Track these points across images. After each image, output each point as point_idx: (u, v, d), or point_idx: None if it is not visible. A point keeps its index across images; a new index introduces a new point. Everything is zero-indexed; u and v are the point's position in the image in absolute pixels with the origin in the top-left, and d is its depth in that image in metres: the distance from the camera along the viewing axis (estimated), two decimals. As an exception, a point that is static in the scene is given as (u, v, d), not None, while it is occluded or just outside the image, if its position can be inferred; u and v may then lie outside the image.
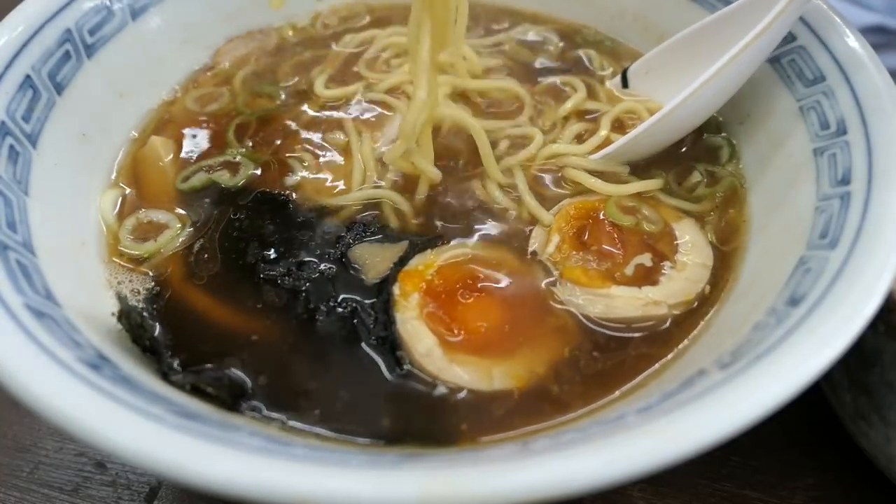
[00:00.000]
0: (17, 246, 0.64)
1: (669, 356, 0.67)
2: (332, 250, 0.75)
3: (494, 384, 0.65)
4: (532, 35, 1.03)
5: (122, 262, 0.75)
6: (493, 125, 0.87)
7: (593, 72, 0.98)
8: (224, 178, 0.82)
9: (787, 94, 0.79)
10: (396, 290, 0.70)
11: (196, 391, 0.60)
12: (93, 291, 0.70)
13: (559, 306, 0.71)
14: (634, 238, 0.75)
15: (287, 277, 0.72)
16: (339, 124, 0.89)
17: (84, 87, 0.82)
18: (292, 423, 0.61)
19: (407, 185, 0.82)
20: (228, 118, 0.90)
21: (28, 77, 0.75)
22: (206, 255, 0.75)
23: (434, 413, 0.63)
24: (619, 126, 0.89)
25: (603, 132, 0.87)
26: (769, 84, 0.82)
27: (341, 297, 0.71)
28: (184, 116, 0.91)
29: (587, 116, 0.91)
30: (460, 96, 0.92)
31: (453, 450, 0.60)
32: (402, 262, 0.73)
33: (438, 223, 0.78)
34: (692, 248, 0.75)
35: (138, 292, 0.72)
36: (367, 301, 0.70)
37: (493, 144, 0.84)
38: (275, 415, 0.62)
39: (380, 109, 0.91)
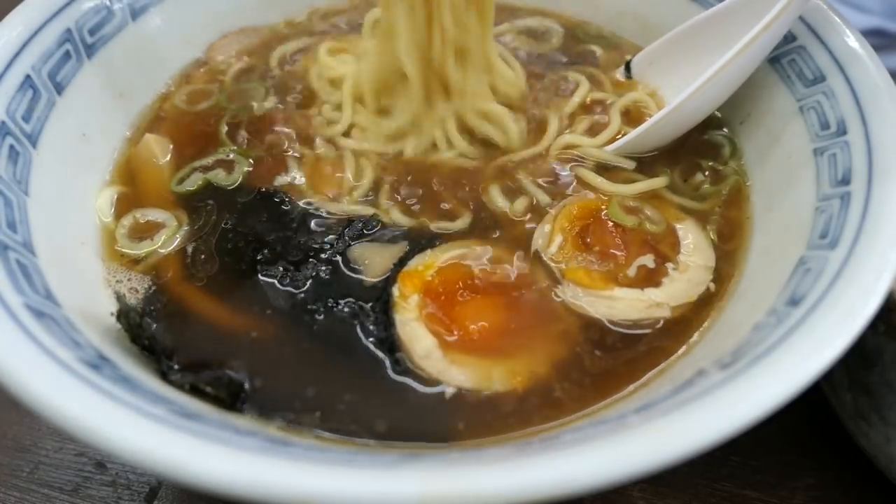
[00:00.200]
0: (17, 246, 0.64)
1: (670, 357, 0.67)
2: (332, 250, 0.74)
3: (494, 385, 0.64)
4: (533, 25, 1.03)
5: (120, 262, 0.75)
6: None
7: (597, 63, 0.97)
8: (220, 177, 0.82)
9: (787, 94, 0.79)
10: (396, 291, 0.70)
11: (195, 391, 0.60)
12: (93, 291, 0.70)
13: (561, 307, 0.71)
14: (637, 238, 0.75)
15: (286, 277, 0.72)
16: (331, 126, 0.88)
17: (84, 87, 0.82)
18: (292, 423, 0.61)
19: (404, 185, 0.82)
20: (220, 116, 0.90)
21: (28, 77, 0.75)
22: (204, 255, 0.75)
23: (434, 414, 0.63)
24: (628, 117, 0.89)
25: (615, 123, 0.87)
26: (769, 84, 0.82)
27: (340, 297, 0.71)
28: (176, 114, 0.91)
29: (596, 109, 0.91)
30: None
31: (453, 450, 0.60)
32: (402, 262, 0.73)
33: (438, 224, 0.78)
34: (694, 248, 0.75)
35: (137, 291, 0.72)
36: (366, 302, 0.70)
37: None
38: (274, 415, 0.62)
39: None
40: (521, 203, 0.79)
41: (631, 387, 0.65)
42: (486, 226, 0.78)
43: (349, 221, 0.77)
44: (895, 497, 0.73)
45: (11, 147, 0.71)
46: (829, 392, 0.73)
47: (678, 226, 0.77)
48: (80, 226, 0.76)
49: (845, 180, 0.66)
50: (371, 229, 0.76)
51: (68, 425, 0.47)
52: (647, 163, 0.84)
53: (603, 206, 0.77)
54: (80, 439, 0.47)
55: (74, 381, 0.50)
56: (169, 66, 0.95)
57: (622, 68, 0.95)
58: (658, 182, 0.81)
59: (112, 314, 0.65)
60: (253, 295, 0.71)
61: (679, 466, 0.45)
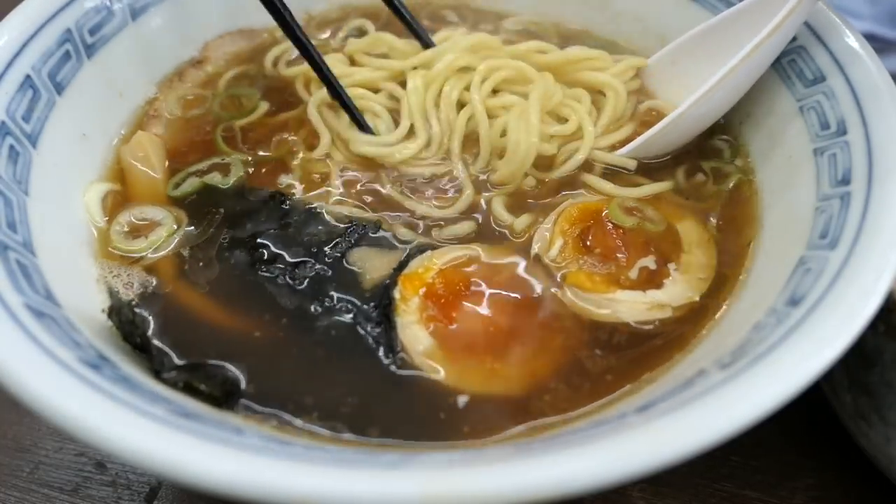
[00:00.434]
0: (17, 246, 0.64)
1: (670, 357, 0.67)
2: (331, 252, 0.74)
3: (494, 387, 0.64)
4: (536, 30, 1.03)
5: (119, 261, 0.75)
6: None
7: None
8: (216, 179, 0.82)
9: (787, 94, 0.79)
10: (397, 293, 0.70)
11: (189, 389, 0.60)
12: (93, 291, 0.70)
13: (561, 310, 0.71)
14: (638, 239, 0.75)
15: (284, 277, 0.72)
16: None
17: (84, 87, 0.82)
18: (288, 422, 0.61)
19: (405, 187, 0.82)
20: (215, 122, 0.89)
21: (28, 77, 0.75)
22: (201, 254, 0.75)
23: (434, 414, 0.63)
24: (640, 122, 0.89)
25: (627, 128, 0.87)
26: (769, 84, 0.82)
27: (340, 298, 0.71)
28: (169, 115, 0.90)
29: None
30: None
31: (453, 450, 0.60)
32: (403, 265, 0.73)
33: (438, 226, 0.78)
34: (696, 248, 0.75)
35: (131, 286, 0.72)
36: (366, 303, 0.70)
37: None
38: (270, 413, 0.62)
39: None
40: (523, 220, 0.78)
41: (631, 387, 0.65)
42: (487, 229, 0.78)
43: (351, 224, 0.77)
44: (895, 497, 0.73)
45: (11, 147, 0.71)
46: (829, 392, 0.73)
47: (679, 225, 0.77)
48: (81, 226, 0.76)
49: (845, 180, 0.66)
50: (372, 232, 0.76)
51: (68, 425, 0.47)
52: (650, 166, 0.84)
53: (603, 208, 0.77)
54: (80, 439, 0.47)
55: (74, 381, 0.50)
56: (169, 67, 0.95)
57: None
58: (663, 186, 0.81)
59: (103, 311, 0.64)
60: (251, 295, 0.71)
61: (679, 466, 0.46)
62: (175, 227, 0.77)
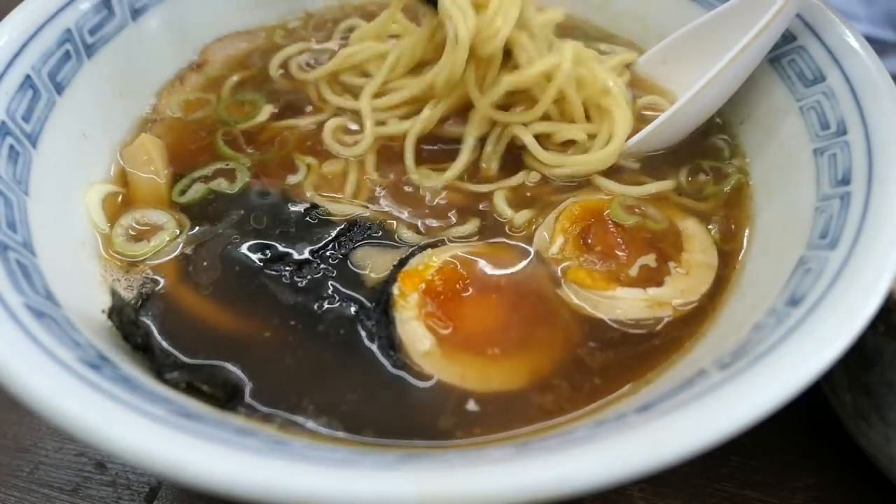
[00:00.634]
0: (17, 246, 0.64)
1: (670, 356, 0.67)
2: (333, 251, 0.74)
3: (494, 385, 0.64)
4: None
5: (120, 263, 0.75)
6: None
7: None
8: (222, 185, 0.81)
9: (787, 94, 0.79)
10: (396, 289, 0.70)
11: (191, 389, 0.60)
12: (92, 291, 0.70)
13: (562, 307, 0.71)
14: (639, 238, 0.75)
15: (287, 277, 0.72)
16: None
17: (84, 87, 0.82)
18: (290, 422, 0.61)
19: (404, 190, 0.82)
20: (217, 125, 0.89)
21: (28, 77, 0.75)
22: (203, 255, 0.75)
23: (433, 413, 0.63)
24: (639, 118, 0.90)
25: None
26: (769, 84, 0.82)
27: (342, 297, 0.71)
28: (172, 119, 0.90)
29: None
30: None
31: (453, 450, 0.60)
32: (403, 262, 0.73)
33: (439, 224, 0.78)
34: (697, 247, 0.75)
35: (133, 287, 0.72)
36: (367, 301, 0.70)
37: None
38: (272, 414, 0.62)
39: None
40: (523, 215, 0.78)
41: (631, 386, 0.65)
42: (487, 227, 0.78)
43: (353, 224, 0.77)
44: (895, 497, 0.73)
45: (11, 147, 0.71)
46: (829, 392, 0.73)
47: (680, 224, 0.77)
48: (81, 226, 0.76)
49: (845, 180, 0.66)
50: (374, 232, 0.76)
51: (68, 425, 0.47)
52: (652, 165, 0.84)
53: (604, 206, 0.77)
54: (80, 439, 0.47)
55: (74, 381, 0.50)
56: (169, 67, 0.95)
57: (627, 72, 0.95)
58: (666, 185, 0.82)
59: (103, 311, 0.65)
60: (254, 294, 0.71)
61: (679, 466, 0.46)
62: (178, 230, 0.77)
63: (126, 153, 0.84)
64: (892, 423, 0.65)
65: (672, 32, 0.92)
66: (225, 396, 0.61)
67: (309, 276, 0.72)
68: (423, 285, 0.70)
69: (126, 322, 0.63)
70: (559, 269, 0.73)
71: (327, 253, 0.74)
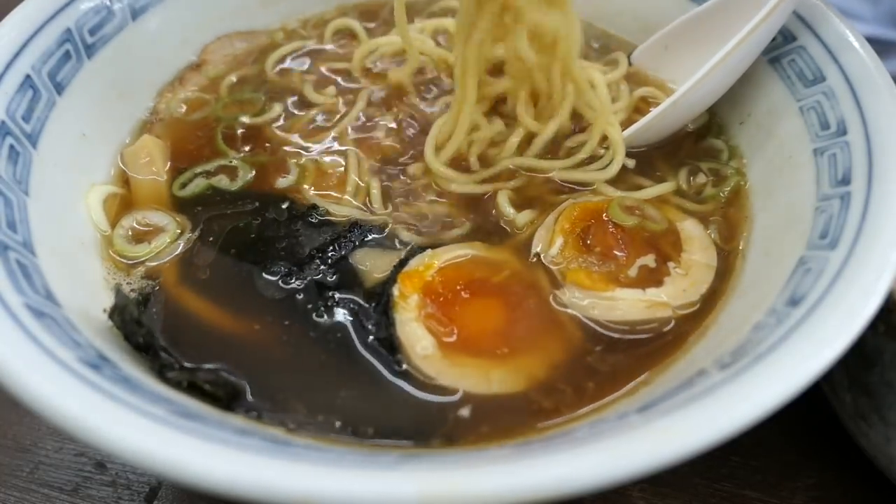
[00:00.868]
0: (17, 246, 0.64)
1: (670, 357, 0.67)
2: (334, 252, 0.74)
3: (493, 386, 0.64)
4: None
5: (120, 263, 0.75)
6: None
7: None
8: (223, 183, 0.82)
9: (787, 94, 0.79)
10: (396, 291, 0.70)
11: (193, 388, 0.60)
12: (93, 291, 0.70)
13: (561, 309, 0.71)
14: (638, 238, 0.75)
15: (288, 278, 0.72)
16: (331, 131, 0.88)
17: (84, 87, 0.82)
18: (291, 423, 0.61)
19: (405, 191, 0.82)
20: (216, 124, 0.89)
21: (28, 77, 0.75)
22: (204, 257, 0.75)
23: (433, 414, 0.63)
24: (636, 110, 0.91)
25: (622, 115, 0.88)
26: (769, 84, 0.82)
27: (342, 298, 0.71)
28: (172, 119, 0.90)
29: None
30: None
31: (453, 450, 0.60)
32: (403, 263, 0.73)
33: (439, 226, 0.78)
34: (696, 248, 0.75)
35: (134, 288, 0.72)
36: (366, 302, 0.70)
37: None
38: (273, 414, 0.62)
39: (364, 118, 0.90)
40: (525, 216, 0.78)
41: (631, 386, 0.65)
42: (487, 228, 0.78)
43: (353, 225, 0.77)
44: (895, 497, 0.73)
45: (11, 147, 0.71)
46: (829, 392, 0.73)
47: (679, 224, 0.77)
48: (81, 226, 0.76)
49: (845, 180, 0.66)
50: (374, 233, 0.76)
51: (68, 425, 0.47)
52: (651, 166, 0.84)
53: (603, 207, 0.77)
54: (80, 439, 0.47)
55: (74, 381, 0.50)
56: (169, 67, 0.95)
57: (625, 62, 0.96)
58: (666, 187, 0.82)
59: (105, 311, 0.64)
60: (254, 296, 0.71)
61: (679, 466, 0.46)
62: (178, 231, 0.77)
63: (127, 154, 0.84)
64: (892, 423, 0.65)
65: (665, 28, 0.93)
66: (226, 396, 0.61)
67: (309, 277, 0.72)
68: (424, 286, 0.70)
69: (128, 321, 0.64)
70: (559, 269, 0.73)
71: (327, 254, 0.74)
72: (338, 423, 0.61)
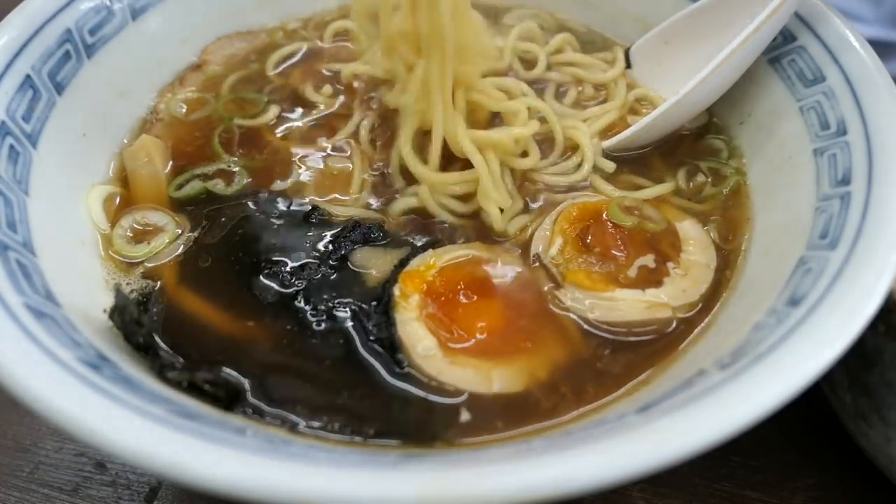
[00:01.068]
0: (17, 246, 0.64)
1: (670, 357, 0.67)
2: (334, 253, 0.74)
3: (494, 386, 0.64)
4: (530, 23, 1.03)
5: (119, 263, 0.75)
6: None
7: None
8: (219, 187, 0.81)
9: (787, 94, 0.79)
10: (396, 291, 0.70)
11: (192, 388, 0.60)
12: (93, 291, 0.70)
13: (561, 309, 0.71)
14: (637, 238, 0.75)
15: (287, 278, 0.72)
16: (331, 131, 0.88)
17: (84, 87, 0.82)
18: (291, 423, 0.61)
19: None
20: (217, 124, 0.89)
21: (28, 77, 0.75)
22: (204, 257, 0.75)
23: (433, 414, 0.63)
24: (629, 111, 0.91)
25: (610, 117, 0.89)
26: (769, 84, 0.82)
27: (342, 298, 0.71)
28: (172, 119, 0.90)
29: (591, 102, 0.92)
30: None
31: (453, 450, 0.60)
32: (403, 263, 0.73)
33: (439, 227, 0.78)
34: (696, 248, 0.75)
35: (134, 288, 0.72)
36: (367, 302, 0.70)
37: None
38: (273, 414, 0.62)
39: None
40: (519, 221, 0.78)
41: (631, 387, 0.65)
42: (487, 229, 0.78)
43: (353, 225, 0.77)
44: (895, 497, 0.73)
45: (11, 147, 0.71)
46: (829, 392, 0.73)
47: (679, 224, 0.77)
48: (81, 226, 0.76)
49: (845, 180, 0.66)
50: (374, 233, 0.76)
51: (68, 425, 0.47)
52: (650, 167, 0.84)
53: (602, 207, 0.77)
54: (80, 439, 0.47)
55: (74, 381, 0.50)
56: (169, 67, 0.95)
57: (622, 61, 0.96)
58: (665, 188, 0.82)
59: (105, 311, 0.64)
60: (254, 296, 0.71)
61: (679, 466, 0.46)
62: (178, 231, 0.77)
63: (126, 154, 0.84)
64: (892, 423, 0.65)
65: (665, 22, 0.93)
66: (226, 396, 0.61)
67: (309, 278, 0.72)
68: (425, 286, 0.70)
69: (128, 322, 0.63)
70: (558, 270, 0.73)
71: (328, 254, 0.74)
72: (338, 423, 0.61)
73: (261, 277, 0.72)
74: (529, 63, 0.96)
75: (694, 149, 0.86)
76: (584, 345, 0.68)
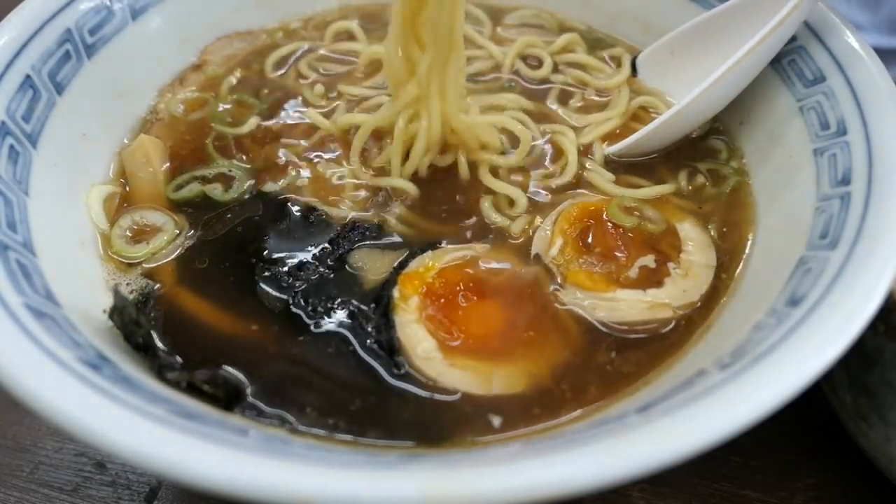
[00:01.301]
0: (17, 246, 0.64)
1: (670, 357, 0.67)
2: (332, 253, 0.74)
3: (494, 388, 0.64)
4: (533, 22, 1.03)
5: (119, 264, 0.75)
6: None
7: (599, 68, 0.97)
8: (216, 192, 0.81)
9: (787, 94, 0.79)
10: (396, 292, 0.70)
11: (192, 389, 0.60)
12: (93, 291, 0.70)
13: (562, 310, 0.71)
14: (638, 239, 0.75)
15: (286, 279, 0.72)
16: (329, 135, 0.88)
17: (84, 87, 0.82)
18: (291, 423, 0.61)
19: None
20: (214, 123, 0.89)
21: (28, 77, 0.75)
22: (203, 257, 0.75)
23: (433, 415, 0.63)
24: (633, 118, 0.91)
25: (612, 123, 0.88)
26: (769, 84, 0.82)
27: (340, 299, 0.71)
28: (171, 119, 0.90)
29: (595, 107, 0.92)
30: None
31: (453, 450, 0.60)
32: (402, 265, 0.73)
33: (439, 228, 0.78)
34: (696, 248, 0.75)
35: (133, 288, 0.72)
36: (366, 304, 0.70)
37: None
38: (273, 414, 0.62)
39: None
40: (520, 223, 0.78)
41: (631, 387, 0.65)
42: (486, 229, 0.78)
43: (351, 225, 0.77)
44: (895, 497, 0.73)
45: (11, 147, 0.71)
46: (829, 392, 0.73)
47: (679, 225, 0.77)
48: (81, 226, 0.76)
49: (845, 180, 0.66)
50: (372, 234, 0.76)
51: (68, 425, 0.47)
52: (651, 167, 0.84)
53: (603, 207, 0.77)
54: (80, 439, 0.47)
55: (74, 381, 0.50)
56: (169, 67, 0.95)
57: (628, 67, 0.95)
58: (666, 188, 0.82)
59: (104, 311, 0.64)
60: (253, 297, 0.71)
61: (679, 466, 0.46)
62: (177, 231, 0.77)
63: (125, 154, 0.84)
64: (892, 423, 0.65)
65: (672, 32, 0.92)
66: (225, 396, 0.61)
67: (307, 278, 0.72)
68: (424, 288, 0.70)
69: (127, 322, 0.63)
70: (559, 270, 0.73)
71: (325, 255, 0.74)
72: (338, 424, 0.61)
73: (259, 278, 0.72)
74: (535, 61, 0.97)
75: (694, 149, 0.86)
76: (585, 345, 0.68)
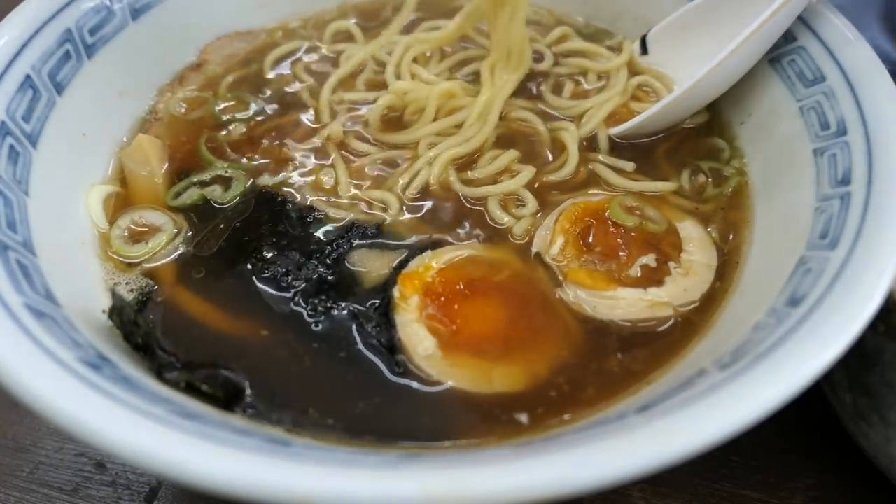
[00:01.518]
0: (17, 246, 0.64)
1: (670, 357, 0.67)
2: (332, 253, 0.74)
3: (495, 386, 0.64)
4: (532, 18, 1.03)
5: (119, 263, 0.75)
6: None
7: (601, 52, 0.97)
8: (216, 194, 0.81)
9: (787, 95, 0.79)
10: (396, 292, 0.70)
11: (191, 389, 0.60)
12: (93, 291, 0.70)
13: (562, 308, 0.71)
14: (639, 238, 0.75)
15: (286, 279, 0.72)
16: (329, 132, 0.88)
17: (84, 87, 0.82)
18: (290, 423, 0.61)
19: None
20: (214, 128, 0.89)
21: (28, 77, 0.75)
22: (202, 257, 0.75)
23: (434, 414, 0.63)
24: (634, 98, 0.92)
25: (611, 104, 0.89)
26: (769, 84, 0.82)
27: (340, 299, 0.71)
28: (171, 118, 0.90)
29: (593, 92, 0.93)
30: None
31: (453, 450, 0.60)
32: (402, 264, 0.73)
33: (438, 227, 0.78)
34: (697, 247, 0.75)
35: (133, 288, 0.72)
36: (366, 303, 0.70)
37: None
38: (273, 414, 0.62)
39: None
40: (523, 224, 0.78)
41: (631, 387, 0.65)
42: (487, 228, 0.78)
43: (351, 225, 0.77)
44: (895, 497, 0.73)
45: (11, 147, 0.71)
46: (829, 392, 0.73)
47: (679, 224, 0.77)
48: (81, 226, 0.76)
49: (845, 180, 0.66)
50: (372, 233, 0.76)
51: (68, 425, 0.47)
52: (652, 166, 0.84)
53: (604, 206, 0.77)
54: (80, 439, 0.47)
55: (74, 381, 0.50)
56: (169, 67, 0.95)
57: (637, 44, 0.96)
58: (668, 185, 0.82)
59: (104, 311, 0.64)
60: (253, 297, 0.71)
61: (679, 466, 0.46)
62: (176, 231, 0.77)
63: (124, 154, 0.84)
64: (892, 423, 0.65)
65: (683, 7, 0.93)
66: (225, 396, 0.61)
67: (307, 278, 0.72)
68: (424, 287, 0.70)
69: (126, 322, 0.63)
70: (559, 269, 0.73)
71: (325, 255, 0.74)
72: (338, 423, 0.61)
73: (259, 278, 0.72)
74: (536, 54, 0.97)
75: (696, 149, 0.86)
76: (585, 344, 0.68)
